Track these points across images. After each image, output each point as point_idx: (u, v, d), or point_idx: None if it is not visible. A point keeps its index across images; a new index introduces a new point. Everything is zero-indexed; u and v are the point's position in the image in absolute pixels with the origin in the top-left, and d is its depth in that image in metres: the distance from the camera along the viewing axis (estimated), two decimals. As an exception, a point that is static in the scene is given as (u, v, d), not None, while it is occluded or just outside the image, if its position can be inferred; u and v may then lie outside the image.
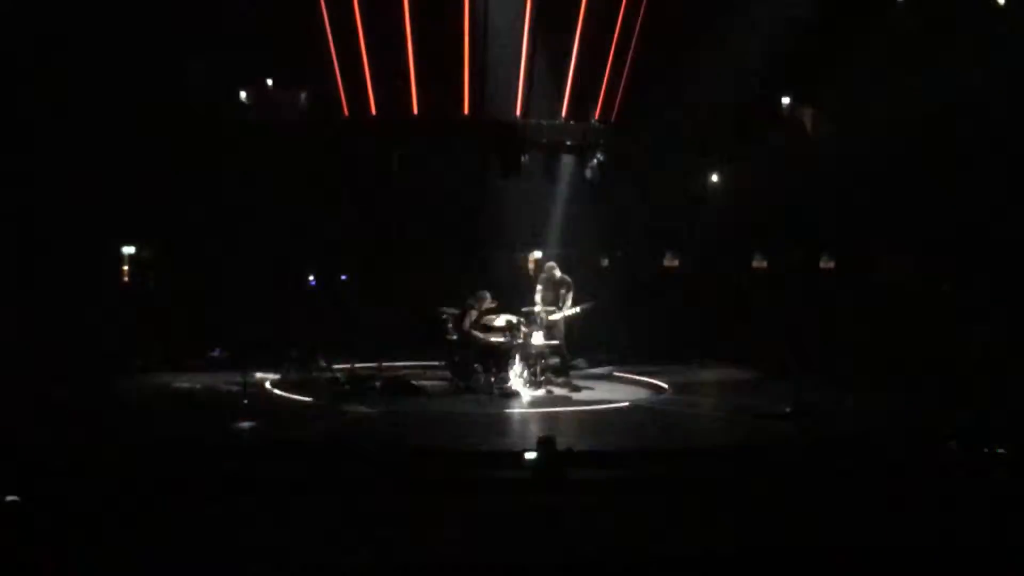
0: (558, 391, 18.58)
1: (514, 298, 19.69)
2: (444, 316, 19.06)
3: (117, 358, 20.38)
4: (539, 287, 19.28)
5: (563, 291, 19.07)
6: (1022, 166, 22.30)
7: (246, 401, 15.74)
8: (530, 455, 12.63)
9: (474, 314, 18.49)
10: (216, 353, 20.66)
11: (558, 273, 19.18)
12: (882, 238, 25.01)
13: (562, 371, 19.27)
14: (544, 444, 12.68)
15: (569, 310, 18.95)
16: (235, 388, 17.36)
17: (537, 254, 24.28)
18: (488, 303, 18.63)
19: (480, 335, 18.43)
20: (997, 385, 17.65)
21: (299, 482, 12.17)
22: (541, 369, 18.66)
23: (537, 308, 18.97)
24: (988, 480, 12.00)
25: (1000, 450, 12.47)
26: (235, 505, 11.14)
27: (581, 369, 20.17)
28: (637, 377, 20.17)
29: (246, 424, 14.72)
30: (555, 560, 9.76)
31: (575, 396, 18.38)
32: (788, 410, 15.84)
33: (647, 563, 9.72)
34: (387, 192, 22.77)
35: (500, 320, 18.55)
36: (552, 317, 18.91)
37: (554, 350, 18.99)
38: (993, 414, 15.37)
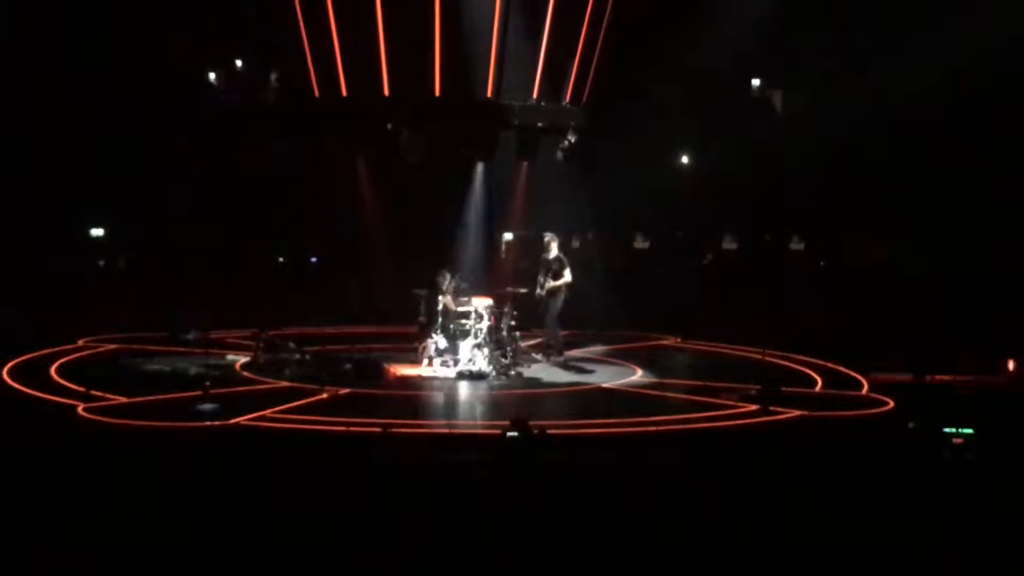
0: (527, 372, 18.60)
1: (486, 279, 19.77)
2: (417, 298, 19.09)
3: (90, 339, 20.35)
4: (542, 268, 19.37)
5: (556, 269, 19.13)
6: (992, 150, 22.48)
7: (208, 383, 15.65)
8: (508, 435, 12.59)
9: (448, 297, 18.50)
10: (189, 335, 20.56)
11: (553, 251, 19.20)
12: (853, 220, 25.14)
13: (554, 350, 19.33)
14: (517, 425, 12.65)
15: (550, 285, 18.98)
16: (203, 370, 17.35)
17: (508, 236, 24.30)
18: (449, 282, 18.62)
19: (451, 317, 18.44)
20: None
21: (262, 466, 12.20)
22: (511, 351, 18.69)
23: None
24: (946, 459, 12.07)
25: (964, 430, 12.49)
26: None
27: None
28: (612, 360, 20.22)
29: (208, 406, 14.69)
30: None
31: (546, 378, 18.39)
32: (754, 392, 15.90)
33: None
34: (359, 173, 22.72)
35: (471, 302, 18.55)
36: (538, 293, 18.98)
37: (510, 331, 18.93)
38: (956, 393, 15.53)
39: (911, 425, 13.02)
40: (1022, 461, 12.31)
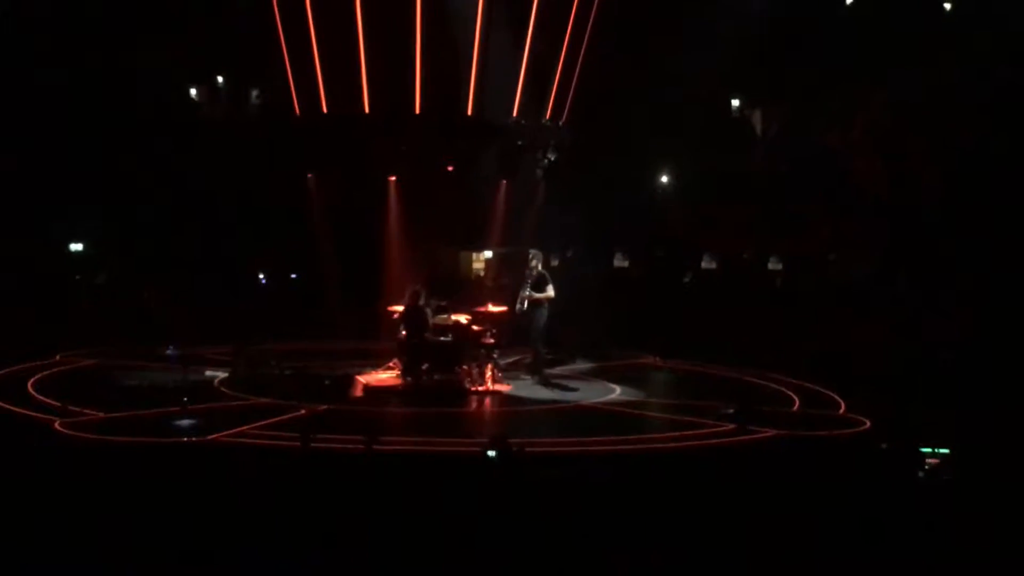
0: (505, 389, 18.62)
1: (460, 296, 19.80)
2: (394, 315, 19.11)
3: (67, 354, 20.29)
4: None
5: (538, 285, 19.21)
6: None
7: (186, 399, 15.62)
8: (488, 453, 12.57)
9: (429, 312, 18.55)
10: (169, 351, 20.55)
11: (536, 268, 19.25)
12: (833, 239, 25.24)
13: (536, 368, 19.38)
14: (496, 443, 12.63)
15: (532, 297, 19.01)
16: (183, 386, 17.30)
17: (487, 254, 24.32)
18: (423, 300, 18.66)
19: (430, 334, 18.46)
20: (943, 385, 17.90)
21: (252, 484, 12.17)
22: (491, 367, 18.71)
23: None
24: (922, 481, 12.09)
25: (940, 450, 12.53)
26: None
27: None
28: (592, 378, 20.24)
29: (186, 422, 14.65)
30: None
31: (526, 396, 18.41)
32: (731, 411, 15.94)
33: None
34: (338, 189, 22.73)
35: (450, 319, 18.59)
36: (519, 308, 19.02)
37: (492, 344, 18.94)
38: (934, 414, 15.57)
39: (884, 446, 13.06)
40: (998, 481, 12.37)
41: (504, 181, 22.08)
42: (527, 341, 19.69)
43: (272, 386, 18.09)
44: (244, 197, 23.96)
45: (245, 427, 14.72)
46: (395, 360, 19.13)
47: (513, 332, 19.73)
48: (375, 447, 12.94)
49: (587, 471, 13.29)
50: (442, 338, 18.48)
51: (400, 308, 18.93)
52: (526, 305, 19.05)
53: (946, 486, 12.08)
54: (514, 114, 19.94)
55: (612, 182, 23.96)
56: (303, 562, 9.55)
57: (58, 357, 20.08)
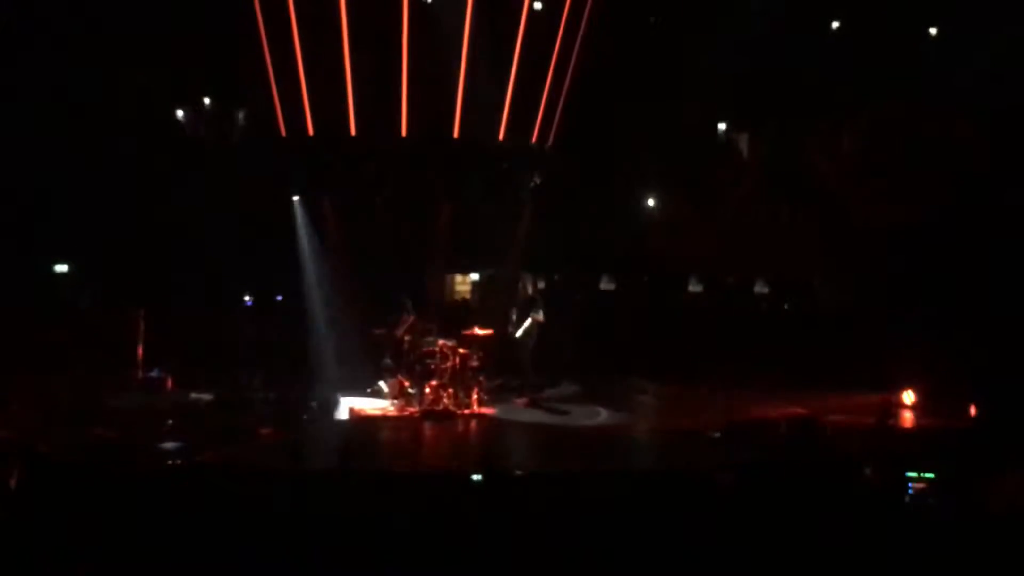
0: (490, 411, 18.60)
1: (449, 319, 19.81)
2: (379, 338, 19.11)
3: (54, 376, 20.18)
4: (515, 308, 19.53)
5: (529, 308, 19.28)
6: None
7: (171, 421, 15.58)
8: (475, 476, 12.55)
9: (407, 336, 18.54)
10: (154, 373, 20.48)
11: (526, 291, 19.38)
12: (820, 265, 25.27)
13: (523, 390, 19.36)
14: (481, 465, 12.62)
15: (523, 325, 19.10)
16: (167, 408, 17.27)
17: (473, 276, 24.36)
18: (409, 322, 18.66)
19: (414, 356, 18.46)
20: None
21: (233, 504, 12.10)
22: (477, 390, 18.70)
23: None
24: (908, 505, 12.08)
25: (925, 475, 12.53)
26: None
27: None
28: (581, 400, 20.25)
29: (171, 444, 14.61)
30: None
31: (513, 418, 18.40)
32: (718, 435, 15.94)
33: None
34: (323, 213, 22.74)
35: (435, 342, 18.59)
36: (510, 332, 19.09)
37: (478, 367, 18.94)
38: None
39: (867, 471, 13.05)
40: (984, 506, 12.36)
41: (489, 204, 22.09)
42: (514, 364, 19.71)
43: (256, 408, 18.04)
44: (230, 218, 23.90)
45: (230, 449, 14.67)
46: (380, 383, 19.12)
47: (500, 355, 19.74)
48: (350, 467, 12.93)
49: (574, 493, 13.29)
50: (428, 361, 18.47)
51: (383, 332, 18.94)
52: (520, 331, 19.16)
53: (932, 510, 12.08)
54: (500, 137, 19.97)
55: (599, 205, 23.97)
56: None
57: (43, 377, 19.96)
